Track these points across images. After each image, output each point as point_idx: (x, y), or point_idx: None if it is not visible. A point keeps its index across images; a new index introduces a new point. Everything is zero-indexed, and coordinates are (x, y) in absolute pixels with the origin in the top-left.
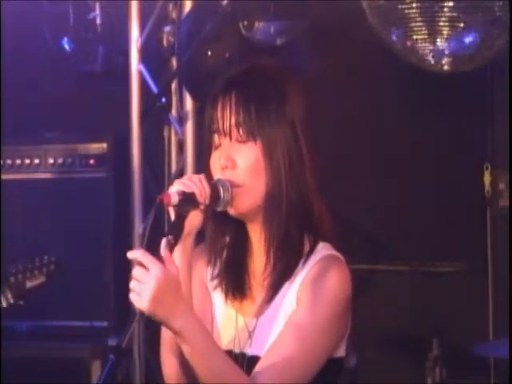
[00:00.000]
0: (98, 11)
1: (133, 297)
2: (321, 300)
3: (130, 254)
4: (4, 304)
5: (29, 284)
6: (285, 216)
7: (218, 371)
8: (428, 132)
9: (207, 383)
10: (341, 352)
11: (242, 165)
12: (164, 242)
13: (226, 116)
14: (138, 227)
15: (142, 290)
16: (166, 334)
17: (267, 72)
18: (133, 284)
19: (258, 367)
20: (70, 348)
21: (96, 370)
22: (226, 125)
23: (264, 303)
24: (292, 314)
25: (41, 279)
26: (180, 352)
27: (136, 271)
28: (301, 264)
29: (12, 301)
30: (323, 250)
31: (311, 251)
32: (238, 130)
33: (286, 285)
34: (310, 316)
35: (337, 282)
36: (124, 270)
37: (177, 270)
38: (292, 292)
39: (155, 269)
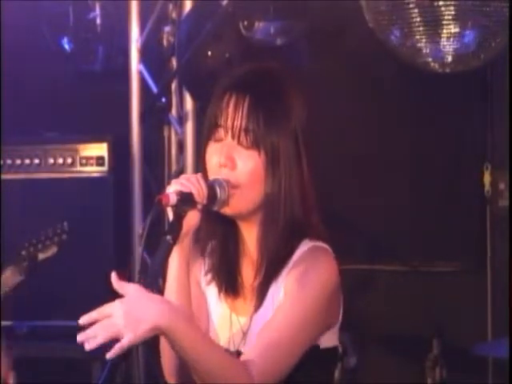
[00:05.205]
0: (98, 11)
1: (117, 343)
2: (306, 289)
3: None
4: (19, 277)
5: (41, 256)
6: (281, 228)
7: (211, 363)
8: (428, 132)
9: (204, 376)
10: (331, 342)
11: (241, 168)
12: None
13: (237, 117)
14: (138, 227)
15: (118, 327)
16: None
17: (280, 80)
18: (108, 330)
19: (247, 354)
20: (69, 348)
21: (96, 370)
22: (236, 127)
23: (256, 303)
24: (280, 303)
25: (53, 250)
26: None
27: (101, 321)
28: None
29: (25, 274)
30: (309, 241)
31: (298, 244)
32: (246, 136)
33: (275, 282)
34: (296, 304)
35: (322, 270)
36: (124, 269)
37: (132, 287)
38: (281, 287)
39: (110, 307)
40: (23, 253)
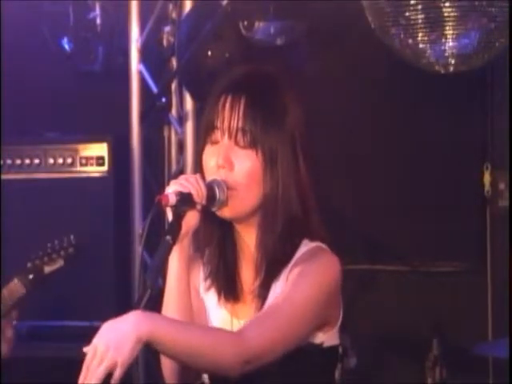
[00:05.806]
0: (98, 11)
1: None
2: (307, 281)
3: None
4: (23, 290)
5: (47, 269)
6: (280, 228)
7: (200, 343)
8: (428, 132)
9: (199, 363)
10: (333, 340)
11: (238, 169)
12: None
13: (234, 118)
14: (138, 227)
15: (106, 360)
16: None
17: (275, 81)
18: (100, 367)
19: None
20: (69, 348)
21: None
22: (233, 127)
23: (257, 304)
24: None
25: (59, 263)
26: None
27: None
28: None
29: (30, 287)
30: (310, 242)
31: (298, 247)
32: (243, 136)
33: (276, 283)
34: (296, 291)
35: (323, 268)
36: (124, 269)
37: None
38: (282, 287)
39: (89, 352)
40: (29, 265)
